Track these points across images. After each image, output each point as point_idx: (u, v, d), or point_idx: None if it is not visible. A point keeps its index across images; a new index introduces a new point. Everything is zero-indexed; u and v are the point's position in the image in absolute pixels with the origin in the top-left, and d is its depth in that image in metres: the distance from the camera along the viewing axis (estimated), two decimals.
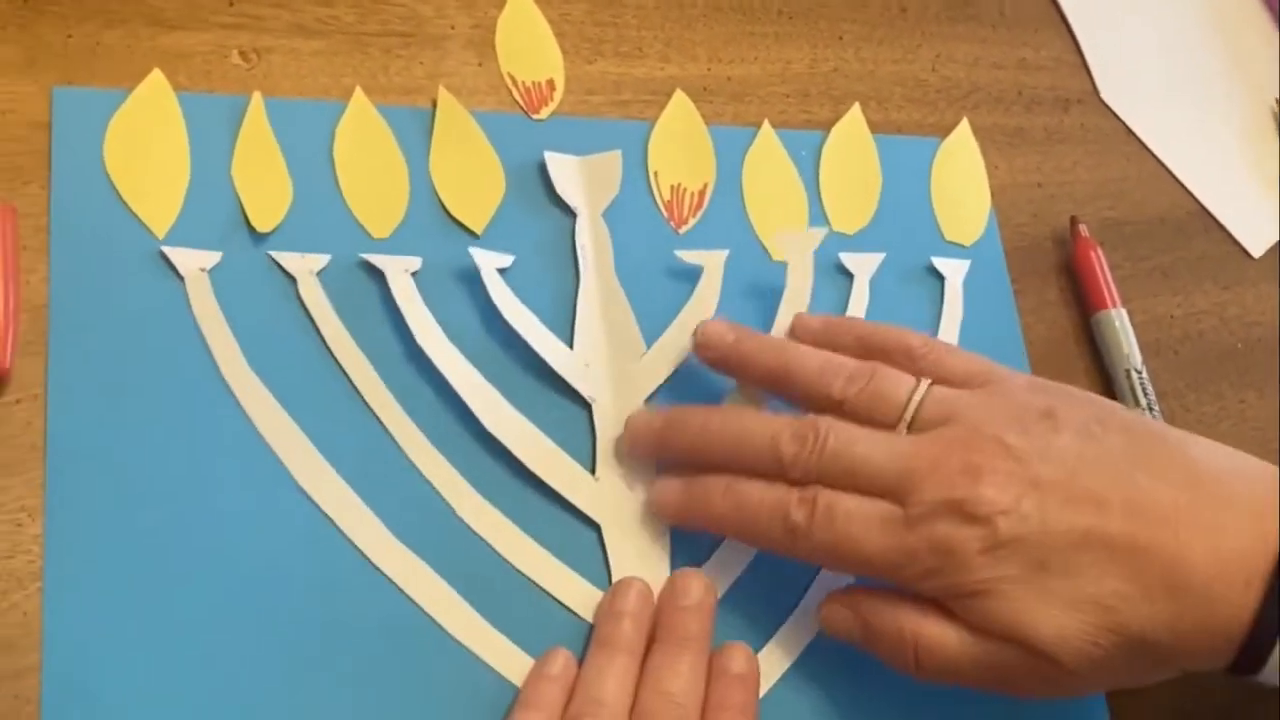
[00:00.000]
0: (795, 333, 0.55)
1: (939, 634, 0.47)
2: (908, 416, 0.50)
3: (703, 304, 0.57)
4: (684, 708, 0.48)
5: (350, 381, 0.51)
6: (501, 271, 0.54)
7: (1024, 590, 0.46)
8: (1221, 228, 0.71)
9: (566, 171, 0.57)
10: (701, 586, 0.51)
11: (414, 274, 0.53)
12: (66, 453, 0.46)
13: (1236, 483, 0.46)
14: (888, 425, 0.50)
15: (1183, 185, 0.71)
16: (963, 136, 0.66)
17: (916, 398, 0.50)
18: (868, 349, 0.53)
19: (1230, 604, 0.44)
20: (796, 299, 0.57)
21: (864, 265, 0.61)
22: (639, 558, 0.52)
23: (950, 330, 0.61)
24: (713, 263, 0.58)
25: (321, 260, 0.52)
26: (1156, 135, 0.71)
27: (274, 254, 0.52)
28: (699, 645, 0.49)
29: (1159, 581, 0.45)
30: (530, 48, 0.60)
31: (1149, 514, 0.45)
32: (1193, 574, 0.45)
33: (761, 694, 0.50)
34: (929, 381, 0.50)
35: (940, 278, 0.62)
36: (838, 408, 0.50)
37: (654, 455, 0.53)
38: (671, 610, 0.50)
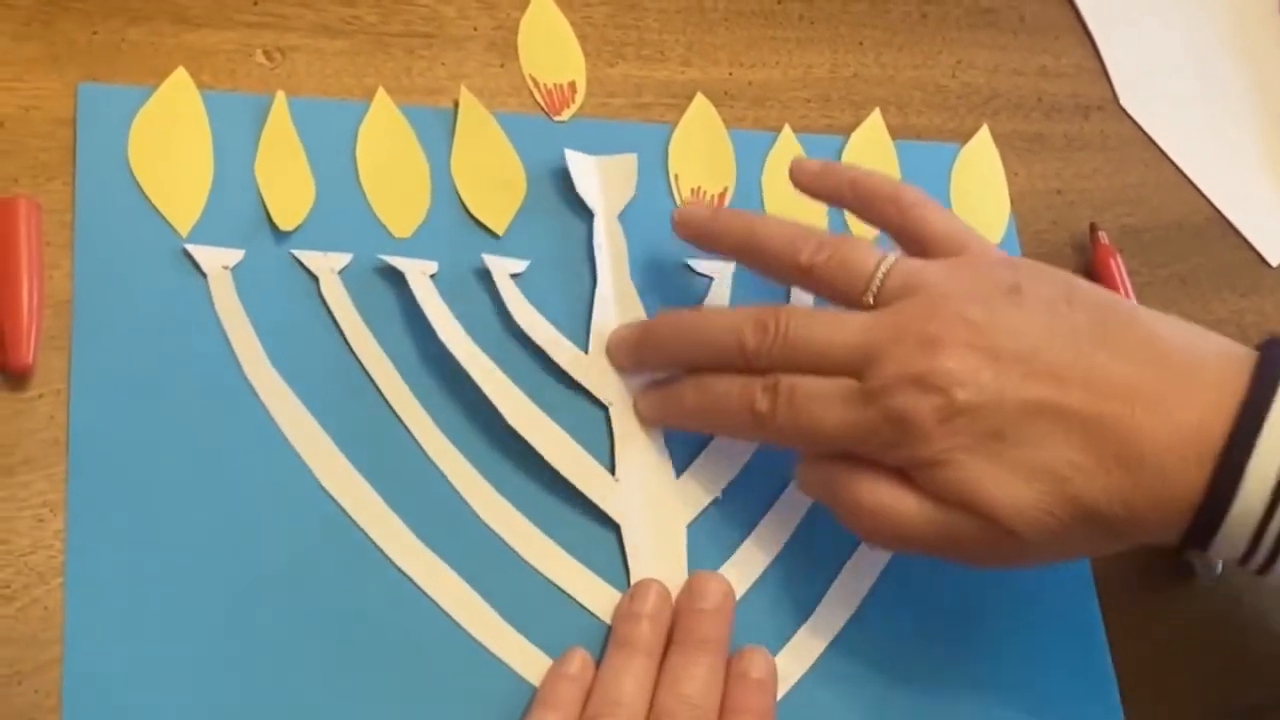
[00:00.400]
0: (793, 174, 0.56)
1: (896, 501, 0.48)
2: (874, 287, 0.50)
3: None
4: (701, 710, 0.48)
5: (371, 380, 0.51)
6: (516, 276, 0.54)
7: (981, 460, 0.46)
8: (1240, 235, 0.71)
9: (585, 170, 0.57)
10: (720, 589, 0.51)
11: (434, 275, 0.53)
12: (89, 448, 0.47)
13: (1199, 360, 0.46)
14: (854, 295, 0.50)
15: (1201, 193, 0.71)
16: (983, 142, 0.66)
17: (883, 269, 0.50)
18: (858, 194, 0.54)
19: (1183, 479, 0.45)
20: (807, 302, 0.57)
21: None
22: (658, 559, 0.52)
23: None
24: (724, 273, 0.58)
25: (344, 259, 0.52)
26: (1176, 142, 0.71)
27: (296, 252, 0.52)
28: (717, 648, 0.49)
29: (1113, 454, 0.45)
30: (552, 50, 0.60)
31: (1107, 388, 0.46)
32: (1147, 447, 0.45)
33: (779, 697, 0.51)
34: (896, 254, 0.51)
35: None
36: (806, 275, 0.51)
37: (634, 365, 0.54)
38: (690, 612, 0.50)
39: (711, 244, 0.55)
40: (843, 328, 0.49)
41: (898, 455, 0.48)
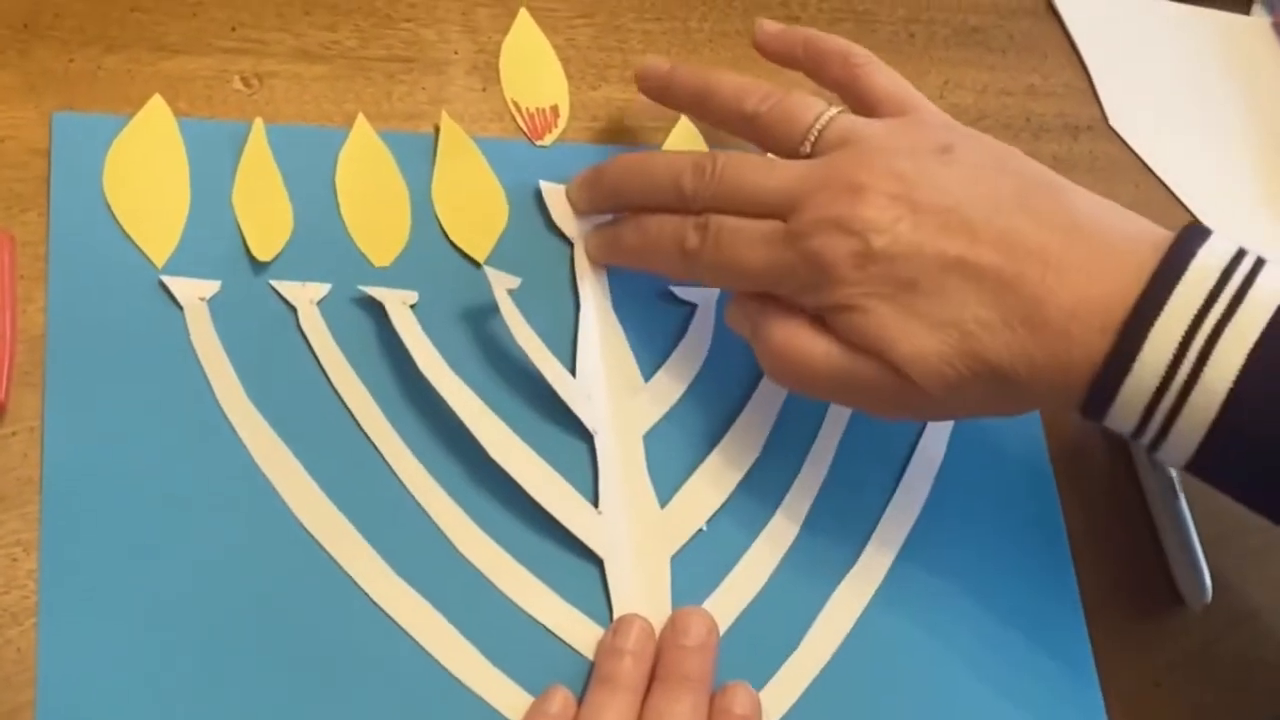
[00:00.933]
0: (756, 37, 0.58)
1: (807, 342, 0.50)
2: (811, 137, 0.52)
3: (700, 334, 0.57)
4: None
5: (350, 414, 0.50)
6: (511, 292, 0.54)
7: (889, 307, 0.47)
8: None
9: (562, 200, 0.57)
10: (704, 625, 0.50)
11: (414, 305, 0.52)
12: (63, 486, 0.46)
13: (1118, 235, 0.47)
14: (792, 144, 0.52)
15: (1192, 214, 0.70)
16: None
17: (822, 120, 0.52)
18: (809, 53, 0.56)
19: (1085, 345, 0.46)
20: None
21: None
22: (641, 592, 0.51)
23: None
24: (705, 301, 0.57)
25: (322, 289, 0.52)
26: (1166, 163, 0.70)
27: (274, 283, 0.51)
28: (701, 685, 0.49)
29: (1020, 314, 0.46)
30: (534, 73, 0.59)
31: (1021, 250, 0.47)
32: (1053, 311, 0.46)
33: None
34: (838, 108, 0.52)
35: None
36: (749, 123, 0.53)
37: (587, 205, 0.56)
38: (673, 649, 0.50)
39: (669, 96, 0.57)
40: (774, 173, 0.51)
41: (813, 298, 0.49)
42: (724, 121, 0.55)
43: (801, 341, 0.50)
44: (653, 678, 0.49)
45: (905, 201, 0.48)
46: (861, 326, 0.48)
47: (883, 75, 0.54)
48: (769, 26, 0.58)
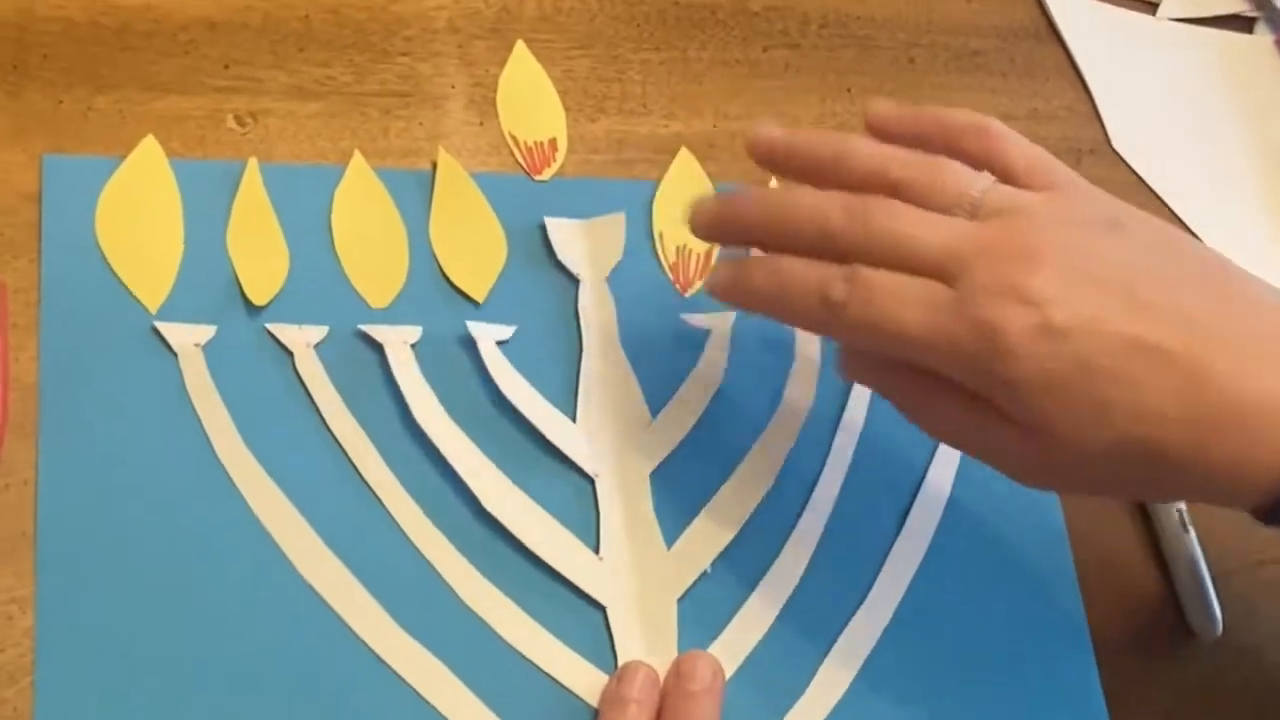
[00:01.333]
0: (869, 120, 0.52)
1: (961, 413, 0.46)
2: (965, 206, 0.47)
3: (710, 368, 0.56)
4: None
5: (349, 459, 0.50)
6: (502, 343, 0.53)
7: (1061, 385, 0.43)
8: None
9: (568, 237, 0.56)
10: (709, 669, 0.49)
11: (414, 345, 0.52)
12: (58, 540, 0.45)
13: None
14: (947, 212, 0.47)
15: (1197, 237, 0.69)
16: None
17: (978, 189, 0.47)
18: (942, 126, 0.50)
19: (1269, 443, 0.43)
20: (805, 365, 0.56)
21: None
22: (646, 637, 0.50)
23: None
24: (720, 326, 0.56)
25: (319, 332, 0.51)
26: (1171, 186, 0.70)
27: (271, 327, 0.50)
28: None
29: (1201, 405, 0.43)
30: (532, 106, 0.59)
31: (1203, 335, 0.43)
32: (1239, 405, 0.43)
33: None
34: (994, 178, 0.48)
35: None
36: (895, 191, 0.47)
37: (713, 236, 0.52)
38: (679, 695, 0.49)
39: (789, 165, 0.51)
40: (934, 228, 0.46)
41: (975, 370, 0.45)
42: (861, 188, 0.48)
43: (955, 412, 0.46)
44: None
45: (1083, 275, 0.44)
46: (1027, 403, 0.44)
47: (1022, 145, 0.49)
48: (883, 109, 0.52)
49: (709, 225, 0.51)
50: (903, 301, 0.45)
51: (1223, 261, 0.47)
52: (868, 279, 0.46)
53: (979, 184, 0.47)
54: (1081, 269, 0.44)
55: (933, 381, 0.46)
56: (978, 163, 0.49)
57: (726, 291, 0.50)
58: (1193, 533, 0.60)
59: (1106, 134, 0.70)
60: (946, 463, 0.57)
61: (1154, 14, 0.77)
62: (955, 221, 0.46)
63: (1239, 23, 0.79)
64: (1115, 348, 0.43)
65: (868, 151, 0.49)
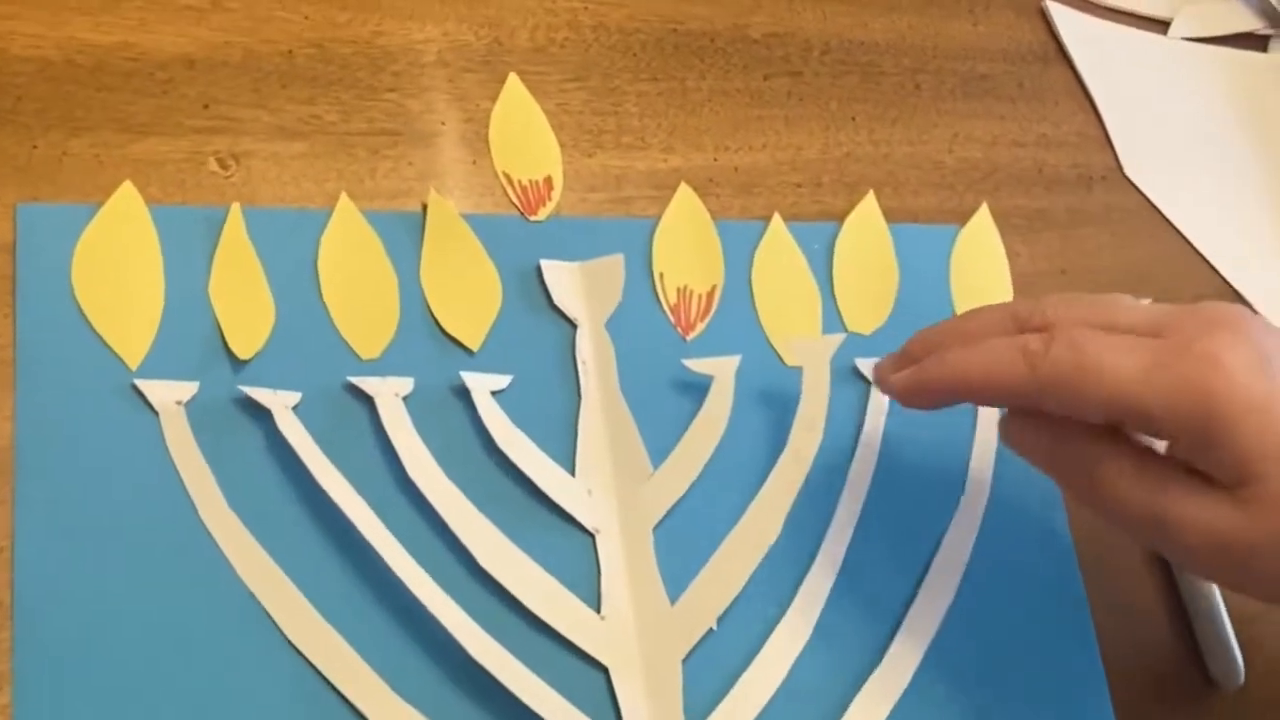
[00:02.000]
0: (903, 400, 0.50)
1: (1193, 509, 0.42)
2: (1144, 325, 0.44)
3: (713, 417, 0.54)
4: None
5: (341, 518, 0.47)
6: (498, 393, 0.51)
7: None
8: (1252, 309, 0.67)
9: (565, 280, 0.54)
10: None
11: (405, 397, 0.50)
12: (35, 612, 0.43)
13: None
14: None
15: (1211, 265, 0.68)
16: (982, 223, 0.63)
17: (1149, 308, 0.45)
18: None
19: None
20: (812, 411, 0.54)
21: None
22: (650, 697, 0.49)
23: (986, 436, 0.58)
24: (723, 372, 0.54)
25: (295, 397, 0.48)
26: (1183, 213, 0.68)
27: (246, 389, 0.48)
28: None
29: None
30: (526, 143, 0.56)
31: None
32: None
33: None
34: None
35: None
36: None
37: (921, 405, 0.49)
38: None
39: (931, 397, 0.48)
40: (1132, 351, 0.43)
41: (1190, 413, 0.41)
42: (1034, 302, 0.47)
43: (1139, 483, 0.43)
44: None
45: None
46: (1242, 444, 0.40)
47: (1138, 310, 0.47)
48: (905, 380, 0.49)
49: (914, 397, 0.48)
50: (1111, 347, 0.43)
51: None
52: (1071, 330, 0.44)
53: (1148, 305, 0.45)
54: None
55: (1112, 448, 0.44)
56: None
57: (913, 386, 0.48)
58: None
59: (1118, 159, 0.68)
60: (965, 520, 0.55)
61: (1165, 33, 0.75)
62: (1147, 340, 0.43)
63: (1253, 41, 0.77)
64: None
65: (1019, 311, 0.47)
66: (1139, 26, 0.75)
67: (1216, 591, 0.58)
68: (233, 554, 0.46)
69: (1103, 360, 0.42)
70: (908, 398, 0.48)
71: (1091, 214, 0.66)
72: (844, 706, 0.51)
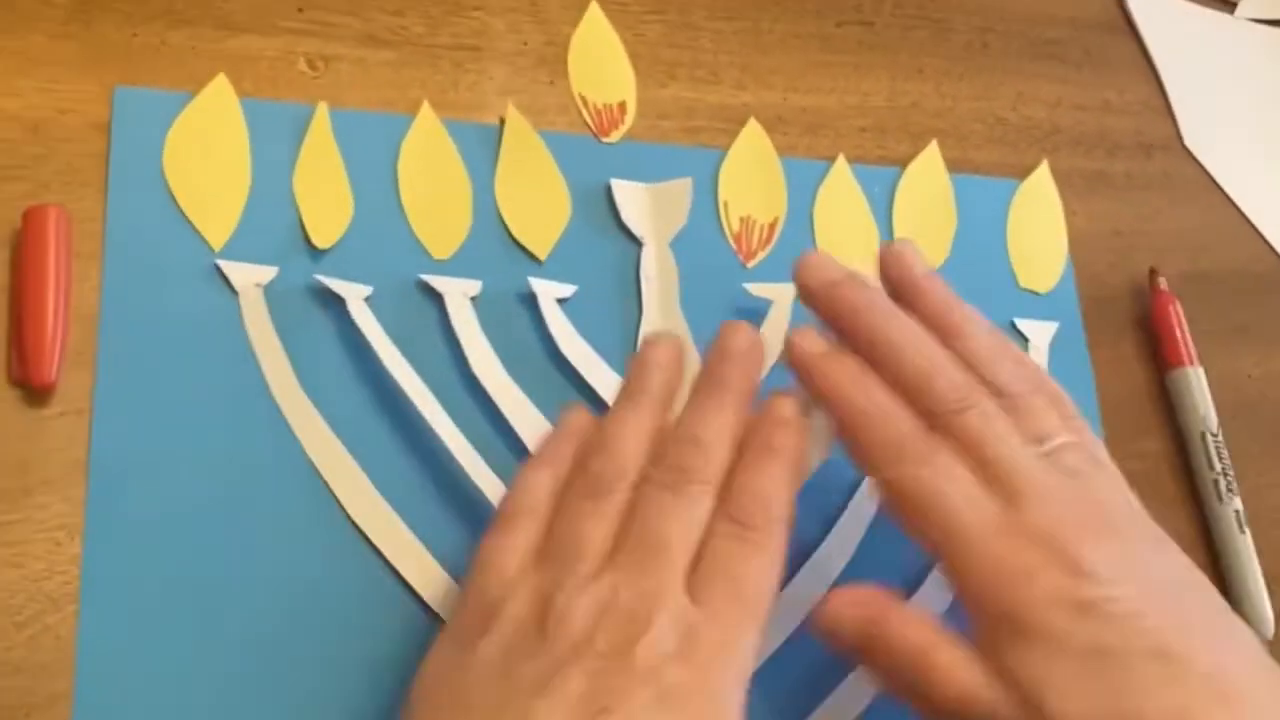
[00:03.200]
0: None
1: (952, 658, 0.42)
2: (1046, 448, 0.45)
3: (768, 340, 0.55)
4: (709, 449, 0.43)
5: (405, 404, 0.49)
6: (562, 301, 0.52)
7: (1068, 658, 0.41)
8: None
9: (634, 200, 0.55)
10: (747, 336, 0.46)
11: (473, 298, 0.51)
12: (109, 470, 0.45)
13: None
14: (1018, 439, 0.45)
15: (1266, 239, 0.68)
16: (1041, 179, 0.64)
17: (1062, 438, 0.45)
18: (1024, 374, 0.48)
19: None
20: None
21: None
22: None
23: None
24: (782, 298, 0.56)
25: (367, 289, 0.50)
26: (1239, 186, 0.69)
27: (321, 278, 0.49)
28: (737, 396, 0.44)
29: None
30: (603, 68, 0.58)
31: (1228, 690, 0.41)
32: None
33: None
34: (1075, 438, 0.46)
35: (1022, 337, 0.60)
36: (995, 394, 0.45)
37: (812, 303, 0.48)
38: (712, 358, 0.45)
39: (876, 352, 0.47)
40: (1021, 446, 0.44)
41: (993, 597, 0.42)
42: (956, 379, 0.45)
43: (948, 656, 0.42)
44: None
45: (1136, 566, 0.42)
46: (1027, 661, 0.41)
47: (1092, 436, 0.47)
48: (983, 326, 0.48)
49: (815, 290, 0.48)
50: (966, 497, 0.43)
51: (1225, 604, 0.45)
52: (947, 460, 0.44)
53: (1066, 435, 0.45)
54: (1132, 561, 0.43)
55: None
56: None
57: (804, 366, 0.46)
58: (1248, 533, 0.59)
59: (1178, 130, 0.69)
60: None
61: (1232, 13, 0.76)
62: (1039, 453, 0.44)
63: None
64: (1137, 645, 0.41)
65: (990, 352, 0.47)
66: (1206, 4, 0.75)
67: (1251, 546, 0.59)
68: (299, 428, 0.48)
69: (950, 504, 0.43)
70: (793, 363, 0.47)
71: (1149, 180, 0.67)
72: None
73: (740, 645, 0.40)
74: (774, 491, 0.42)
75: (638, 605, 0.39)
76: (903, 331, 0.46)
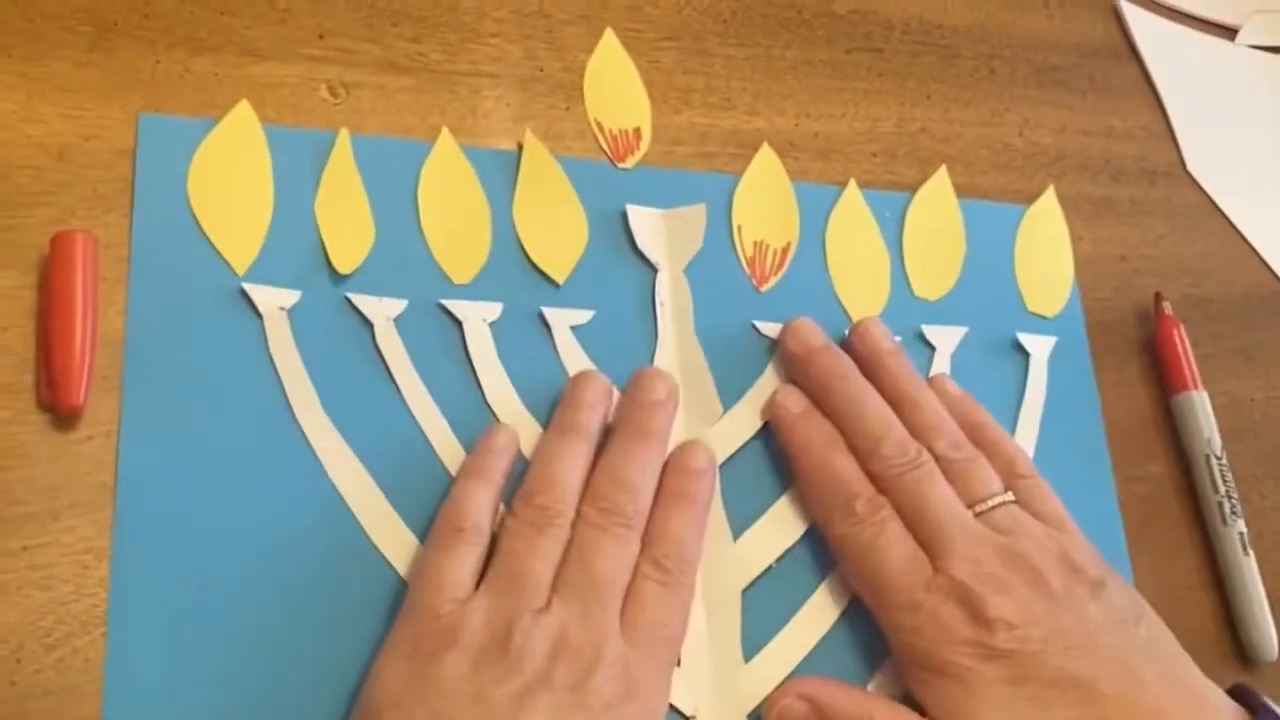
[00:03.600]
0: (934, 384, 0.57)
1: (891, 714, 0.48)
2: (979, 509, 0.51)
3: (780, 373, 0.56)
4: (637, 493, 0.49)
5: (423, 431, 0.50)
6: (578, 327, 0.53)
7: (985, 691, 0.47)
8: None
9: (649, 225, 0.56)
10: (666, 385, 0.52)
11: (492, 322, 0.52)
12: (136, 493, 0.45)
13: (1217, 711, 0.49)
14: (958, 502, 0.51)
15: (1268, 265, 0.69)
16: (1048, 205, 0.65)
17: (999, 499, 0.52)
18: (978, 439, 0.54)
19: None
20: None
21: (946, 339, 0.59)
22: (710, 627, 0.51)
23: (1033, 408, 0.60)
24: None
25: (399, 306, 0.51)
26: (1242, 211, 0.70)
27: (351, 297, 0.50)
28: (659, 442, 0.51)
29: None
30: (618, 94, 0.59)
31: (1140, 705, 0.47)
32: None
33: None
34: (1014, 498, 0.52)
35: (1025, 353, 0.61)
36: (937, 459, 0.52)
37: (791, 367, 0.55)
38: (635, 406, 0.51)
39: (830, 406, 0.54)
40: (955, 511, 0.50)
41: (915, 640, 0.49)
42: (903, 443, 0.52)
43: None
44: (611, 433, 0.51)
45: (1046, 614, 0.48)
46: (951, 697, 0.48)
47: (1041, 493, 0.53)
48: (951, 388, 0.57)
49: (796, 355, 0.55)
50: (900, 553, 0.50)
51: (1174, 648, 0.50)
52: (885, 517, 0.50)
53: (1001, 496, 0.52)
54: (1044, 609, 0.48)
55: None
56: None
57: (783, 423, 0.54)
58: (1252, 555, 0.60)
59: (1181, 156, 0.70)
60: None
61: (1233, 40, 0.77)
62: (970, 515, 0.51)
63: None
64: (1047, 677, 0.47)
65: (930, 418, 0.53)
66: (1207, 31, 0.76)
67: (1256, 570, 0.59)
68: (322, 452, 0.48)
69: (885, 557, 0.50)
70: (775, 414, 0.54)
71: (1154, 206, 0.68)
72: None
73: (666, 681, 0.47)
74: (688, 537, 0.49)
75: (585, 644, 0.44)
76: (864, 400, 0.53)
